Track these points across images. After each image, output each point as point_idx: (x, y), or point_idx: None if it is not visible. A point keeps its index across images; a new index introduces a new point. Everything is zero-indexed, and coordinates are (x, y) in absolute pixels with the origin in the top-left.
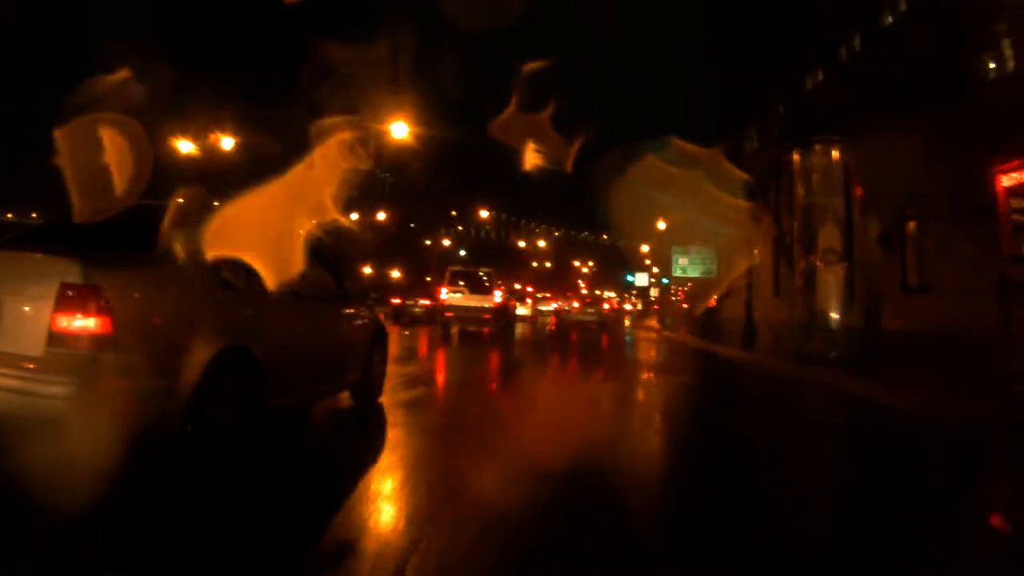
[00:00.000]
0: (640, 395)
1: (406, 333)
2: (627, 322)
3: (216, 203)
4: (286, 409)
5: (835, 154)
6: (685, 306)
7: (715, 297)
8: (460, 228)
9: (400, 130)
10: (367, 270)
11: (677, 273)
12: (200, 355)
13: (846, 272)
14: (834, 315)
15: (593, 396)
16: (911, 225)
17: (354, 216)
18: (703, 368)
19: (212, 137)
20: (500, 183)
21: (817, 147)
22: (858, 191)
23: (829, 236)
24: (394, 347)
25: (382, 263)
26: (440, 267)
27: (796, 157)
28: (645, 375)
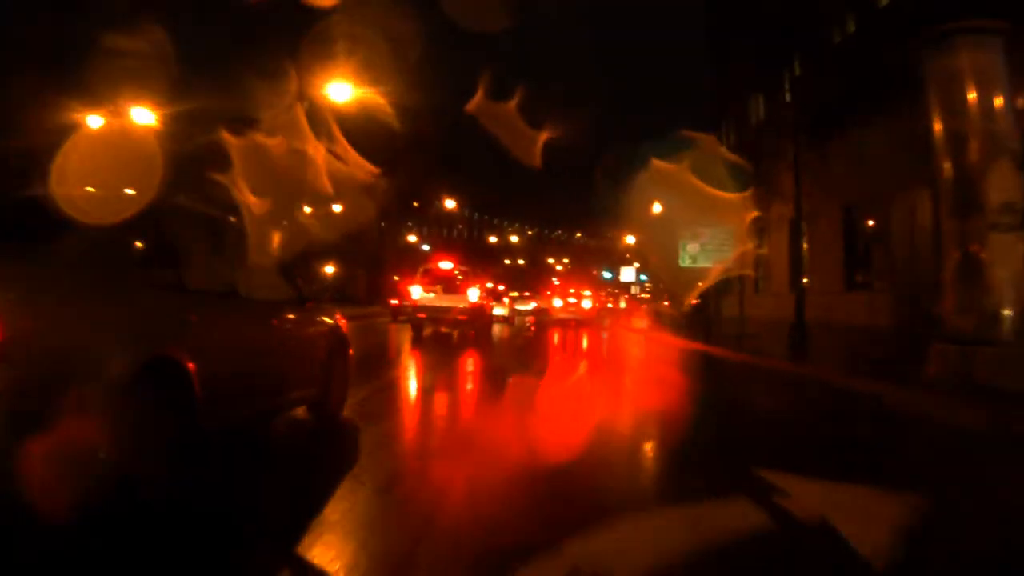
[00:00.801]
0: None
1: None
2: (607, 320)
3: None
4: (226, 430)
5: (995, 52)
6: (666, 303)
7: (697, 292)
8: (435, 227)
9: (351, 99)
10: (329, 269)
11: (686, 263)
12: (115, 368)
13: None
14: (1008, 313)
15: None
16: None
17: (308, 210)
18: (779, 401)
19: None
20: (473, 180)
21: (961, 40)
22: None
23: (1002, 186)
24: (396, 350)
25: (346, 262)
26: (409, 265)
27: (927, 58)
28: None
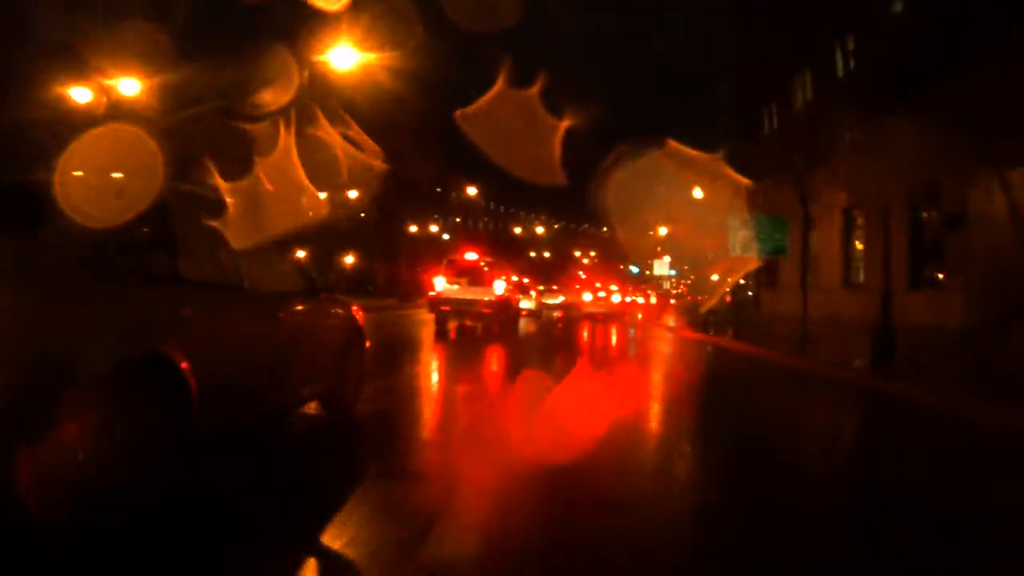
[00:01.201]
0: None
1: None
2: (638, 316)
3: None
4: (225, 430)
5: None
6: (700, 299)
7: (728, 287)
8: (459, 219)
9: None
10: (349, 259)
11: (736, 252)
12: (99, 364)
13: None
14: None
15: None
16: None
17: (322, 195)
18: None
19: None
20: (497, 172)
21: None
22: None
23: None
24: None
25: (364, 253)
26: (434, 256)
27: None
28: None
